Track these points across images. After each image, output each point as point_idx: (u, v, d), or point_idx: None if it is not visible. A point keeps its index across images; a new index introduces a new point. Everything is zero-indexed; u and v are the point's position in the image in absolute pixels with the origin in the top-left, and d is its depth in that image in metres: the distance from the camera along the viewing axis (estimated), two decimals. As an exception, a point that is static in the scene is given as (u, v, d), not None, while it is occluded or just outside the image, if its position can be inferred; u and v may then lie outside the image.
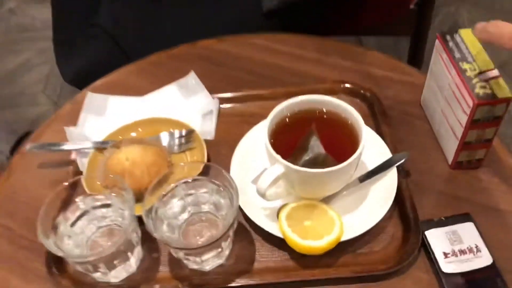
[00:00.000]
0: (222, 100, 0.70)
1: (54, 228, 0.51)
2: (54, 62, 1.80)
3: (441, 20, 1.83)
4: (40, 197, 0.60)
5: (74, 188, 0.54)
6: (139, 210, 0.50)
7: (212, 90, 0.71)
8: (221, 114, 0.69)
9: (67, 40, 1.00)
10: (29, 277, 0.55)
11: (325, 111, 0.56)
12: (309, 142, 0.53)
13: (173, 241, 0.50)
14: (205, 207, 0.54)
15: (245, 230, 0.56)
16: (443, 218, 0.55)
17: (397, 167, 0.57)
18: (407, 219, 0.55)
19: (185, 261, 0.52)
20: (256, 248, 0.55)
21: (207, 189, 0.53)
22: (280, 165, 0.50)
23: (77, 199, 0.53)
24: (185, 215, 0.54)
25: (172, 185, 0.53)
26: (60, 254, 0.48)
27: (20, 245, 0.58)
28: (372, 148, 0.59)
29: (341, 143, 0.54)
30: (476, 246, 0.52)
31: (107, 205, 0.54)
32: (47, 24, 2.03)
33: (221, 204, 0.53)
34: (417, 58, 1.24)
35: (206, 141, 0.63)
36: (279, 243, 0.53)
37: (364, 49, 0.79)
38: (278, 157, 0.50)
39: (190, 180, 0.53)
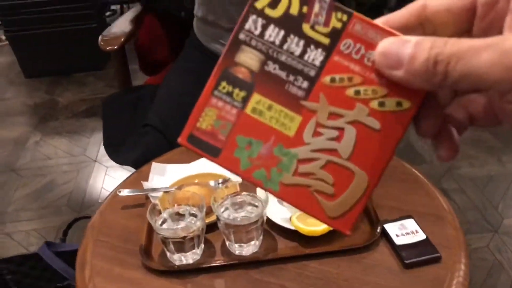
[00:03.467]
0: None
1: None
2: (77, 181, 2.20)
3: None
4: (126, 225, 0.91)
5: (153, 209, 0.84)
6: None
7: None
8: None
9: (117, 144, 1.35)
10: (126, 267, 0.83)
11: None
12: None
13: (229, 220, 0.80)
14: (242, 212, 0.85)
15: (269, 233, 0.87)
16: (395, 218, 0.87)
17: (363, 191, 0.91)
18: (372, 219, 0.87)
19: (230, 247, 0.82)
20: (276, 241, 0.85)
21: (243, 199, 0.85)
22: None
23: (163, 212, 0.84)
24: (230, 215, 0.85)
25: (224, 198, 0.84)
26: (162, 231, 0.78)
27: (117, 250, 0.86)
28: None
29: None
30: (416, 230, 0.84)
31: (180, 215, 0.85)
32: (67, 152, 2.41)
33: (253, 210, 0.84)
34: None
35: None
36: (290, 236, 0.84)
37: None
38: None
39: (233, 195, 0.85)
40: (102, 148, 2.38)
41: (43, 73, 3.18)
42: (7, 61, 3.44)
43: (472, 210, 1.84)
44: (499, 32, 0.26)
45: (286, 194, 0.29)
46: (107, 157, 2.28)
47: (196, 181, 0.97)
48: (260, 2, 0.28)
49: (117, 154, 1.32)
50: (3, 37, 3.60)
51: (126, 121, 1.39)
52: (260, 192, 0.88)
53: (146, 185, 0.98)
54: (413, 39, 0.26)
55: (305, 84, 0.28)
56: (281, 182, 0.29)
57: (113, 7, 3.75)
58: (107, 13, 3.34)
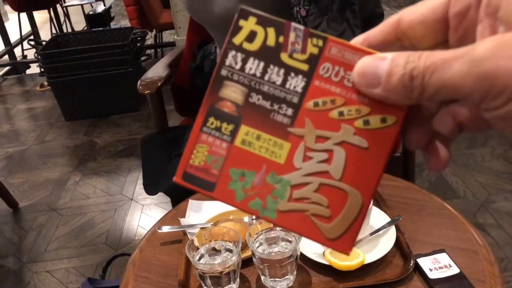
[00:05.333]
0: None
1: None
2: (115, 219, 2.27)
3: (428, 174, 2.27)
4: (165, 260, 0.95)
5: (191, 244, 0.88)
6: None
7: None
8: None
9: (154, 183, 1.41)
10: (166, 302, 0.86)
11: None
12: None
13: (264, 254, 0.83)
14: (276, 248, 0.88)
15: (303, 268, 0.89)
16: (428, 252, 0.88)
17: (395, 225, 0.92)
18: (405, 253, 0.88)
19: (265, 282, 0.84)
20: (310, 276, 0.87)
21: (277, 234, 0.87)
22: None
23: (200, 248, 0.87)
24: (265, 250, 0.87)
25: (258, 233, 0.87)
26: (199, 266, 0.81)
27: (157, 285, 0.90)
28: (377, 218, 0.94)
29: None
30: (449, 264, 0.84)
31: (217, 251, 0.88)
32: (105, 192, 2.48)
33: (287, 245, 0.87)
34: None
35: (271, 221, 0.98)
36: (324, 271, 0.85)
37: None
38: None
39: (267, 230, 0.88)
40: (138, 186, 2.47)
41: (82, 116, 3.32)
42: (49, 105, 3.62)
43: (510, 246, 1.80)
44: (474, 41, 0.26)
45: (284, 221, 0.29)
46: (143, 196, 2.37)
47: (231, 217, 1.00)
48: (238, 37, 0.29)
49: (155, 192, 1.37)
50: (46, 83, 3.81)
51: (162, 161, 1.45)
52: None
53: (183, 221, 1.02)
54: (388, 55, 0.26)
55: (289, 111, 0.29)
56: (278, 210, 0.29)
57: (148, 51, 3.92)
58: (142, 58, 3.49)
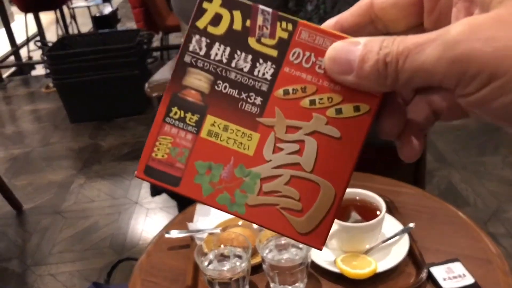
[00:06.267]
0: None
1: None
2: (119, 223, 2.25)
3: (437, 181, 2.24)
4: (172, 265, 0.93)
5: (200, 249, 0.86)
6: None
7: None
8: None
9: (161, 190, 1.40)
10: (173, 308, 0.84)
11: (358, 198, 0.92)
12: (350, 214, 0.87)
13: (274, 261, 0.81)
14: (286, 254, 0.86)
15: (313, 275, 0.87)
16: (441, 261, 0.86)
17: (408, 233, 0.90)
18: (418, 262, 0.86)
19: (277, 291, 0.82)
20: (321, 284, 0.85)
21: (287, 241, 0.85)
22: (335, 224, 0.84)
23: (208, 253, 0.85)
24: (275, 257, 0.85)
25: (268, 239, 0.85)
26: (208, 272, 0.79)
27: (164, 291, 0.88)
28: (390, 225, 0.92)
29: (370, 217, 0.88)
30: (463, 274, 0.82)
31: (225, 257, 0.86)
32: (109, 195, 2.47)
33: (297, 252, 0.85)
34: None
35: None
36: (335, 279, 0.84)
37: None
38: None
39: (277, 237, 0.86)
40: (143, 190, 2.45)
41: (87, 118, 3.32)
42: (54, 107, 3.61)
43: (520, 255, 1.77)
44: (449, 23, 0.25)
45: (253, 216, 0.28)
46: (148, 199, 2.35)
47: (240, 222, 0.99)
48: (202, 21, 0.27)
49: (159, 192, 1.36)
50: (51, 85, 3.80)
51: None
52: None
53: (191, 226, 1.00)
54: (362, 40, 0.25)
55: (258, 100, 0.28)
56: (247, 204, 0.28)
57: (154, 53, 3.91)
58: (149, 60, 3.48)
